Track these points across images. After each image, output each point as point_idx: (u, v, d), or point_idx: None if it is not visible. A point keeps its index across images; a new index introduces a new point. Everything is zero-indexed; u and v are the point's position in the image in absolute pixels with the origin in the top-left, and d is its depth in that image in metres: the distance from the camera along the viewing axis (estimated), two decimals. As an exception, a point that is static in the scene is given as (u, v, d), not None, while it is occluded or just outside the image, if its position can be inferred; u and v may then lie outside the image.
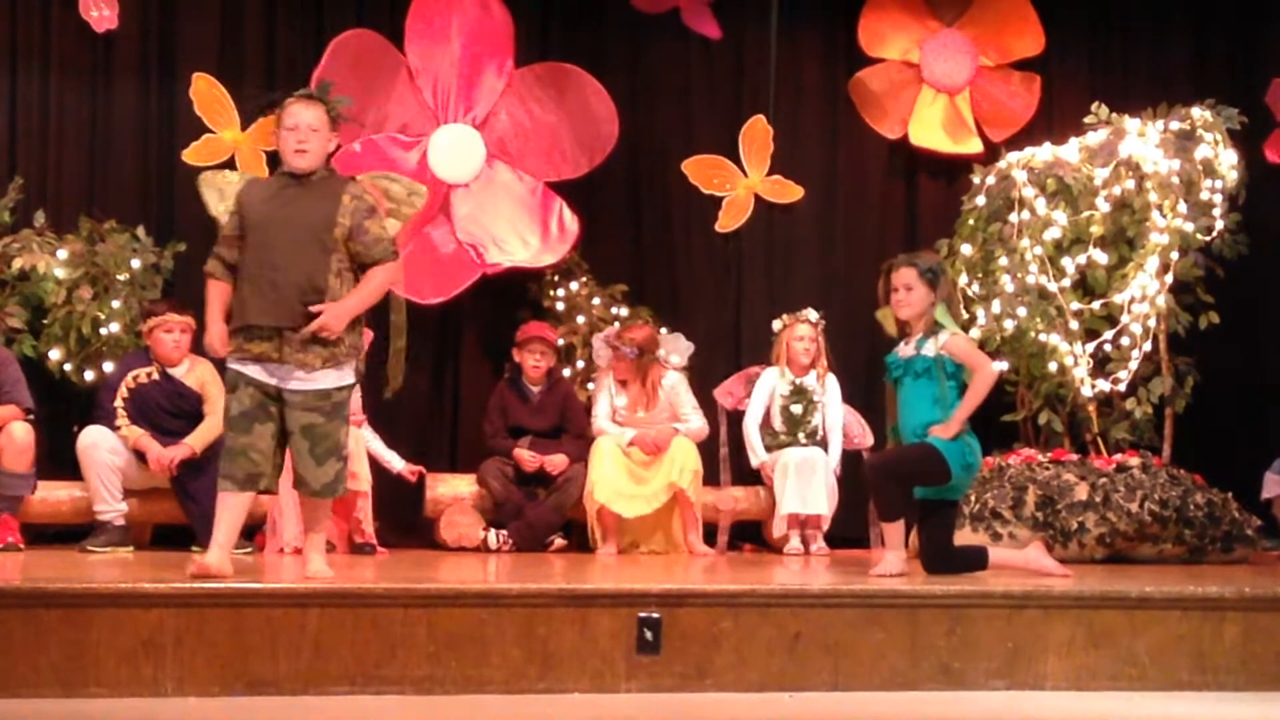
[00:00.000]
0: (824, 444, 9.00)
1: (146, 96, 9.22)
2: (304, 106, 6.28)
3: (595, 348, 9.12)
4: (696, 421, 8.93)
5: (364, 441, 8.26)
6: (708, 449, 9.13)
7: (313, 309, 6.09)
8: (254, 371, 6.17)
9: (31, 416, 8.07)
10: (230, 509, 6.22)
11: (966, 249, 8.99)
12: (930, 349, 6.95)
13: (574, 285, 9.48)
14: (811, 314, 9.17)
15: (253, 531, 8.16)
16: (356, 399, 8.43)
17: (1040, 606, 6.07)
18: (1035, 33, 10.19)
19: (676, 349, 9.14)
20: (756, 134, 9.91)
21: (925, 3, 10.14)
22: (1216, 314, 9.08)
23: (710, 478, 9.11)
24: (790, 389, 9.03)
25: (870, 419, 9.23)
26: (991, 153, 9.70)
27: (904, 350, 7.08)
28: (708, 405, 9.27)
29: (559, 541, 8.71)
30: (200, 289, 6.41)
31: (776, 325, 9.25)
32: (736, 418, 9.29)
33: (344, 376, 6.24)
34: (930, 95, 10.09)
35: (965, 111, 10.10)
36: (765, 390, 9.12)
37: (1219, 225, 8.87)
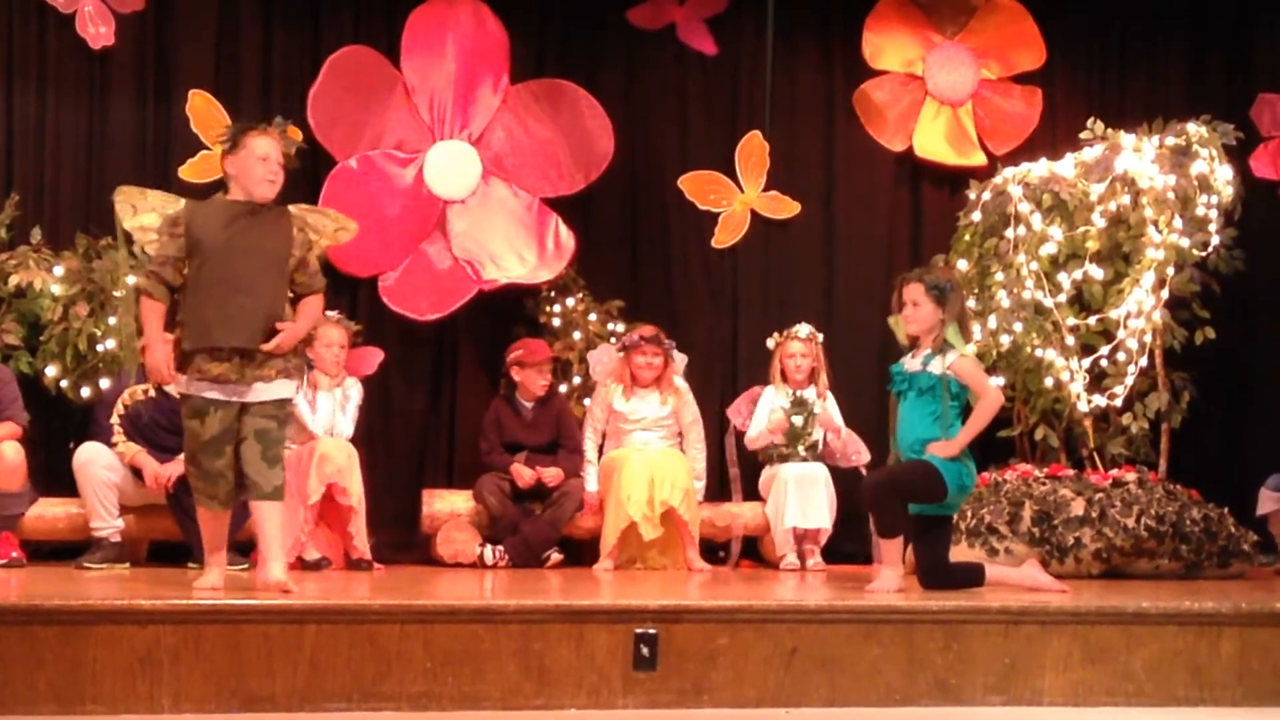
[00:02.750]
0: (823, 456, 9.03)
1: (143, 113, 9.23)
2: (272, 140, 6.55)
3: (594, 361, 9.13)
4: (701, 459, 9.02)
5: (355, 457, 8.25)
6: (716, 465, 9.19)
7: (279, 326, 6.35)
8: (215, 393, 6.33)
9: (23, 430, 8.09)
10: (216, 523, 6.54)
11: (963, 264, 8.99)
12: (937, 367, 6.96)
13: (570, 301, 9.48)
14: (802, 330, 9.18)
15: (248, 548, 8.16)
16: (353, 419, 8.48)
17: (1037, 622, 6.07)
18: (1036, 46, 10.21)
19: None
20: (753, 149, 9.91)
21: (926, 15, 10.16)
22: (1213, 329, 9.08)
23: (717, 495, 9.16)
24: (790, 401, 9.03)
25: (871, 433, 9.22)
26: (994, 165, 9.70)
27: (910, 364, 7.09)
28: (707, 421, 9.29)
29: (556, 557, 8.70)
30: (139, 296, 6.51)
31: (770, 343, 9.27)
32: (741, 437, 9.32)
33: (293, 387, 6.52)
34: (934, 108, 10.11)
35: (968, 124, 10.11)
36: (765, 408, 9.13)
37: (1215, 240, 8.88)
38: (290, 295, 6.51)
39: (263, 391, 6.35)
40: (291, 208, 6.85)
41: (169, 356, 6.36)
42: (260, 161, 6.43)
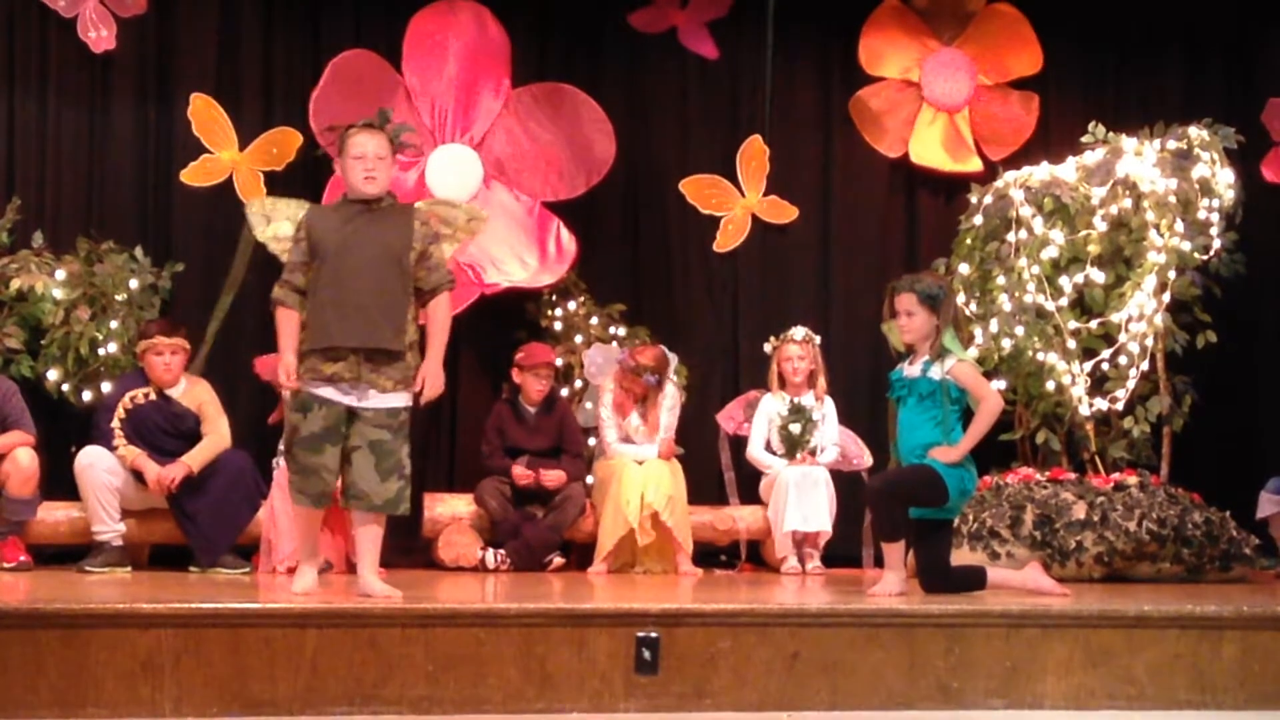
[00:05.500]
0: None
1: (144, 117, 9.24)
2: (369, 136, 6.47)
3: (589, 362, 9.14)
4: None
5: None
6: (713, 471, 9.20)
7: (417, 384, 6.40)
8: (328, 392, 6.33)
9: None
10: (310, 522, 6.59)
11: (964, 268, 8.99)
12: (936, 373, 6.96)
13: (572, 305, 9.49)
14: (798, 333, 9.18)
15: (250, 551, 8.17)
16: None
17: (1038, 625, 6.07)
18: (1033, 52, 10.21)
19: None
20: (754, 154, 9.92)
21: (924, 21, 10.16)
22: (1214, 333, 9.09)
23: (717, 499, 9.16)
24: (788, 409, 9.04)
25: (870, 438, 9.24)
26: (991, 171, 9.71)
27: (909, 370, 7.09)
28: (708, 425, 9.29)
29: (557, 561, 8.70)
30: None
31: (767, 347, 9.28)
32: (736, 442, 9.31)
33: (409, 397, 6.47)
34: (930, 114, 10.11)
35: (965, 130, 10.12)
36: (763, 417, 9.13)
37: (1216, 244, 8.88)
38: (415, 292, 6.43)
39: (376, 399, 6.34)
40: (420, 203, 6.82)
41: (293, 366, 6.36)
42: (356, 160, 6.42)
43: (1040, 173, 8.95)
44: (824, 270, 10.10)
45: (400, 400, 6.42)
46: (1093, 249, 8.77)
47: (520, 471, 8.70)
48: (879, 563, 7.76)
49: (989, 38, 10.20)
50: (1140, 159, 8.78)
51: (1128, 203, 8.74)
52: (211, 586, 6.74)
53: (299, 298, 6.42)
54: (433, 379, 6.42)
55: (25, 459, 7.97)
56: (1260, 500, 8.93)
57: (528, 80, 9.63)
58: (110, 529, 7.99)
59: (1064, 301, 8.75)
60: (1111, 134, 9.08)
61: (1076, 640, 6.05)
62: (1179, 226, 8.68)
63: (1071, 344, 8.72)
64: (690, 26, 9.95)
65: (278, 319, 6.45)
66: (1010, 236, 8.77)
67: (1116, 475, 8.56)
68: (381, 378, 6.34)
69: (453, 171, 9.38)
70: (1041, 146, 9.96)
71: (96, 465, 8.01)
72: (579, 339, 9.39)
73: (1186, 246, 8.73)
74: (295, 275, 6.43)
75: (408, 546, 8.95)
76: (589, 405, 9.21)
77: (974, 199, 9.21)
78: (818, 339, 9.25)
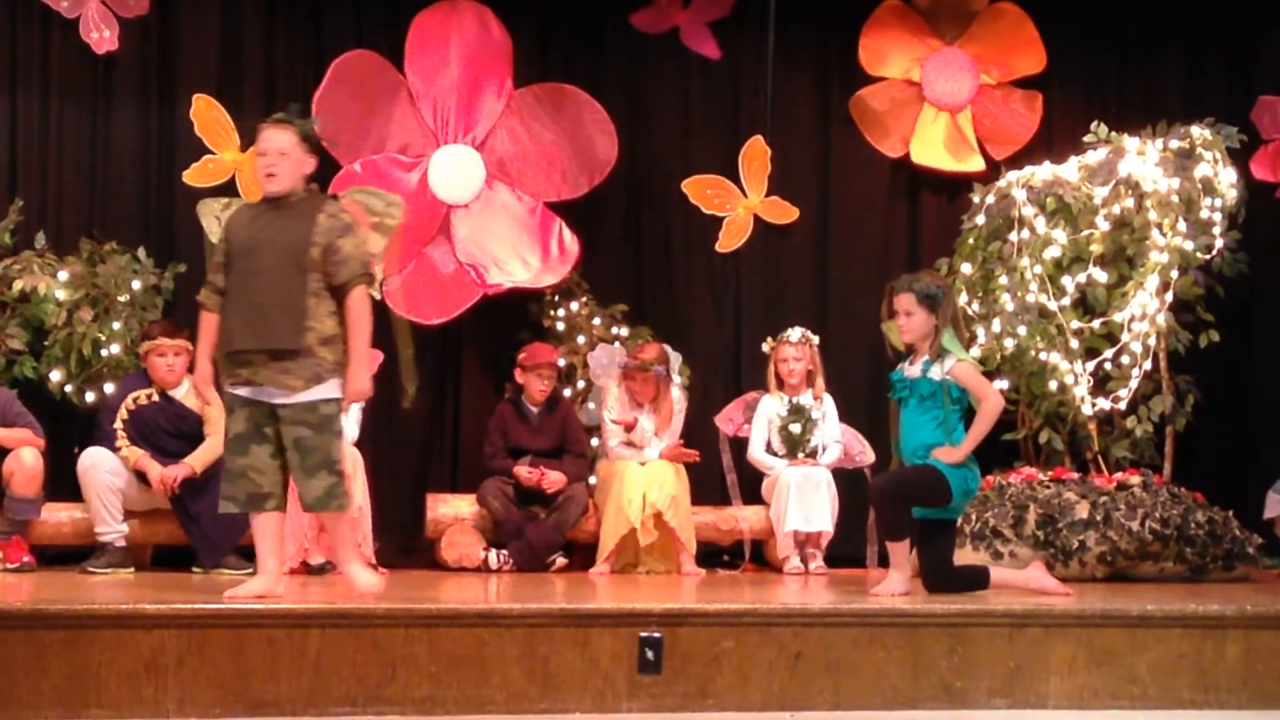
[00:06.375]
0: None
1: (147, 118, 9.24)
2: (274, 131, 6.33)
3: (593, 363, 9.14)
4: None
5: (360, 463, 8.25)
6: (715, 471, 9.20)
7: (346, 395, 6.22)
8: (246, 392, 6.23)
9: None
10: (260, 527, 6.37)
11: (966, 268, 9.00)
12: (936, 373, 6.95)
13: (574, 305, 9.49)
14: (794, 334, 9.17)
15: (253, 552, 8.15)
16: (356, 422, 8.46)
17: (1042, 625, 6.07)
18: (1036, 51, 10.20)
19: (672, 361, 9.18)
20: (755, 154, 9.92)
21: (926, 21, 10.15)
22: (1217, 332, 9.09)
23: (719, 499, 9.17)
24: (788, 409, 9.03)
25: (872, 438, 9.25)
26: (993, 171, 9.70)
27: (910, 370, 7.08)
28: (709, 425, 9.30)
29: (560, 561, 8.70)
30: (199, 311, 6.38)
31: (765, 348, 9.28)
32: (737, 443, 9.31)
33: (330, 390, 6.21)
34: (932, 113, 10.10)
35: (967, 129, 10.11)
36: (763, 418, 9.13)
37: (1219, 244, 8.88)
38: (329, 290, 6.21)
39: (292, 397, 6.17)
40: (345, 193, 6.66)
41: (207, 373, 6.32)
42: (260, 157, 6.33)
43: (1043, 172, 8.96)
44: (826, 270, 10.09)
45: (315, 394, 6.16)
46: (1095, 248, 8.77)
47: (525, 472, 8.69)
48: (883, 562, 7.78)
49: (992, 37, 10.18)
50: (1143, 158, 8.78)
51: (1130, 202, 8.74)
52: (214, 587, 6.73)
53: (219, 299, 6.32)
54: (351, 380, 6.23)
55: (30, 459, 7.96)
56: (1268, 500, 8.92)
57: (530, 80, 9.63)
58: (113, 530, 7.99)
59: (1066, 301, 8.75)
60: (1114, 133, 9.08)
61: (1080, 640, 6.05)
62: (1181, 226, 8.68)
63: (1074, 344, 8.72)
64: (692, 27, 9.94)
65: (200, 322, 6.40)
66: (1013, 236, 8.77)
67: (1119, 475, 8.56)
68: (289, 377, 6.14)
69: (455, 172, 9.38)
70: (1045, 146, 9.95)
71: (99, 466, 8.01)
72: (581, 339, 9.39)
73: (1189, 246, 8.73)
74: (217, 277, 6.36)
75: (410, 547, 8.96)
76: (592, 406, 9.22)
77: (976, 198, 9.21)
78: (815, 339, 9.24)
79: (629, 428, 8.86)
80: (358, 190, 7.61)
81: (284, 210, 6.30)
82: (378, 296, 6.53)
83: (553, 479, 8.71)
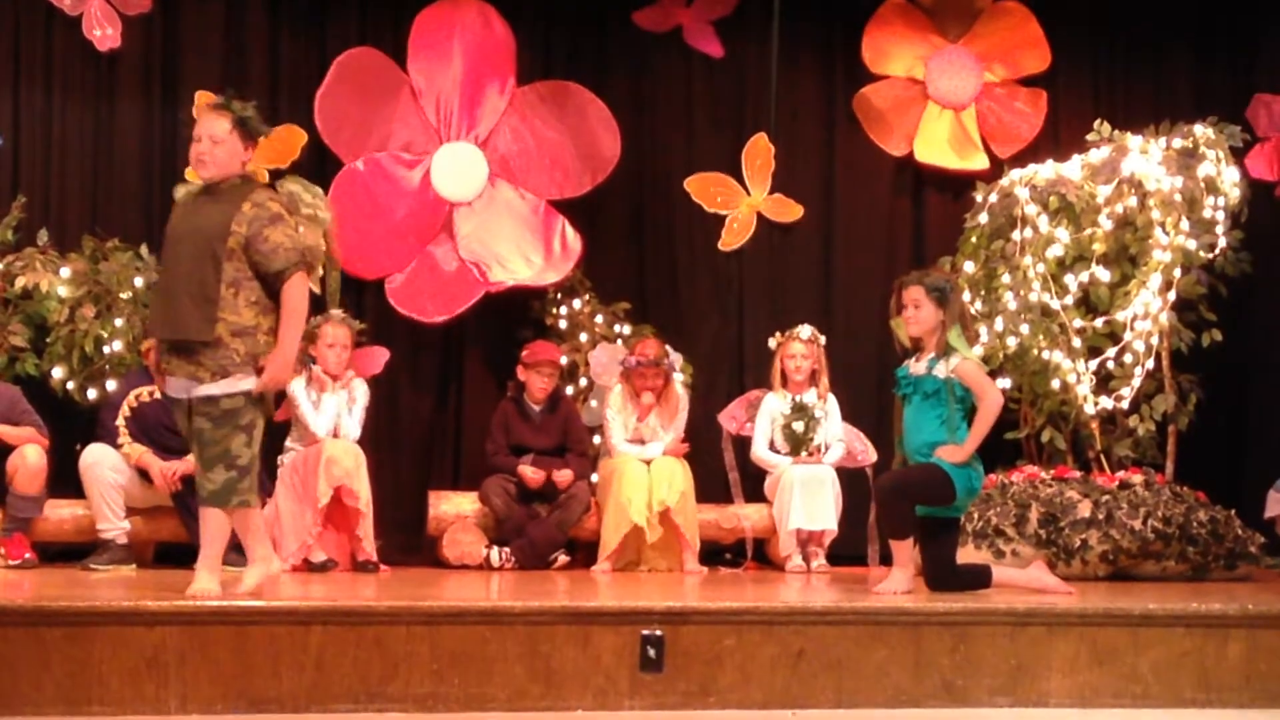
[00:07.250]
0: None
1: (149, 115, 9.25)
2: (210, 117, 6.17)
3: (595, 362, 9.14)
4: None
5: (362, 460, 8.24)
6: (718, 470, 9.20)
7: (223, 317, 5.92)
8: (170, 389, 6.11)
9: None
10: (211, 524, 6.20)
11: (969, 266, 8.99)
12: (941, 371, 6.96)
13: (577, 303, 9.48)
14: (804, 332, 9.17)
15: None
16: (360, 414, 8.45)
17: (1044, 624, 6.07)
18: (1041, 49, 10.19)
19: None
20: (759, 152, 9.91)
21: (930, 19, 10.15)
22: (1219, 331, 9.08)
23: (722, 497, 9.17)
24: (791, 407, 9.03)
25: (875, 436, 9.24)
26: (998, 169, 9.68)
27: (915, 368, 7.09)
28: (712, 423, 9.29)
29: (562, 559, 8.70)
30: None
31: (772, 343, 9.27)
32: (740, 441, 9.31)
33: (234, 384, 5.98)
34: (936, 111, 10.09)
35: (971, 128, 10.10)
36: (766, 416, 9.12)
37: (1222, 242, 8.87)
38: (258, 281, 6.01)
39: (197, 389, 5.97)
40: (279, 183, 6.40)
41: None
42: (193, 144, 6.16)
43: (1046, 171, 8.95)
44: (829, 268, 10.08)
45: (219, 389, 5.94)
46: (1098, 247, 8.76)
47: (530, 473, 8.68)
48: (885, 560, 7.77)
49: (997, 35, 10.17)
50: (1146, 157, 8.77)
51: (1133, 201, 8.73)
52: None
53: None
54: (272, 368, 5.98)
55: (34, 456, 7.97)
56: (1269, 499, 8.91)
57: (533, 78, 9.63)
58: (115, 527, 8.00)
59: (1069, 300, 8.74)
60: (1117, 132, 9.07)
61: (1082, 639, 6.05)
62: (1184, 225, 8.68)
63: (1077, 342, 8.71)
64: (695, 25, 9.94)
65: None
66: (1015, 235, 8.77)
67: (1121, 474, 8.55)
68: (199, 369, 5.95)
69: (458, 170, 9.38)
70: (1050, 144, 9.95)
71: (101, 463, 8.01)
72: (584, 337, 9.39)
73: (1192, 245, 8.72)
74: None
75: (412, 544, 8.96)
76: (594, 404, 9.21)
77: (979, 197, 9.21)
78: (823, 339, 9.24)
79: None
80: (290, 179, 7.37)
81: (215, 197, 6.11)
82: (317, 290, 6.33)
83: (563, 475, 8.70)
